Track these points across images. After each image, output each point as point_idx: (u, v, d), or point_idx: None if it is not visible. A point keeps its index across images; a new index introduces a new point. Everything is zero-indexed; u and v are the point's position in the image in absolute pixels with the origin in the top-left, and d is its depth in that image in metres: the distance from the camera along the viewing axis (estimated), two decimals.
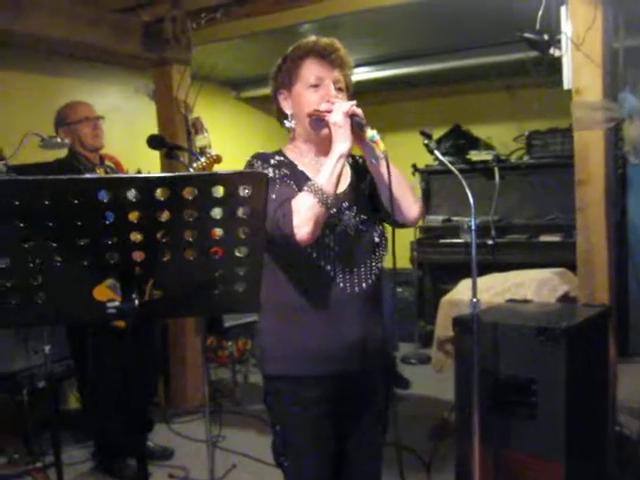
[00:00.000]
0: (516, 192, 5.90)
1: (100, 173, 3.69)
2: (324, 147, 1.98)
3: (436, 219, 6.30)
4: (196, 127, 4.62)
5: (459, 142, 6.25)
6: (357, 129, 1.90)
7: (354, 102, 1.94)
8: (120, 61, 4.92)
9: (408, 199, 2.03)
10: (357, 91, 6.92)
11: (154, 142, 3.44)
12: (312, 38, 2.05)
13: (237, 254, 1.47)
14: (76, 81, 5.14)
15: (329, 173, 1.87)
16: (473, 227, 2.44)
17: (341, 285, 1.98)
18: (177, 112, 4.60)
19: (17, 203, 1.34)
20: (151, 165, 4.58)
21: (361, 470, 2.19)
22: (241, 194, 1.37)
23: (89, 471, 3.80)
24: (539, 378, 2.65)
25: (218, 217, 1.41)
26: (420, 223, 6.32)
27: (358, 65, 5.97)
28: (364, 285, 2.02)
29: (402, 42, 5.44)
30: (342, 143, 1.89)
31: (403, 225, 2.09)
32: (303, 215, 1.82)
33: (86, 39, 4.14)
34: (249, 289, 1.52)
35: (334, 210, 1.96)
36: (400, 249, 6.10)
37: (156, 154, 4.08)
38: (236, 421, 4.51)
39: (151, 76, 4.80)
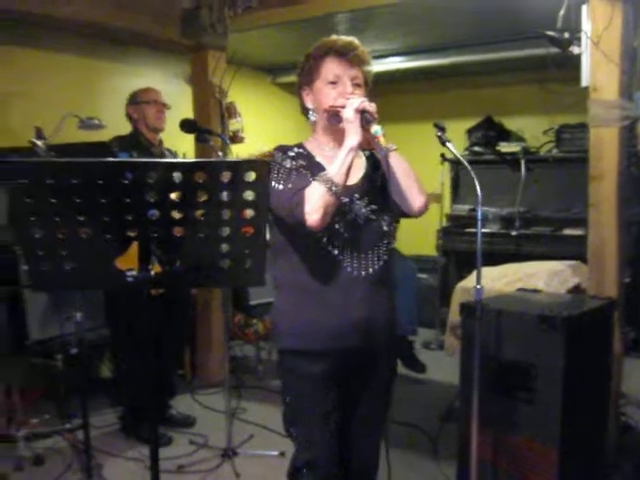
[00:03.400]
0: (543, 185, 5.94)
1: (156, 153, 4.00)
2: (341, 139, 2.11)
3: (462, 208, 6.40)
4: (229, 111, 4.76)
5: (489, 133, 6.33)
6: (365, 124, 2.04)
7: (365, 99, 2.07)
8: (158, 46, 5.10)
9: (413, 192, 2.16)
10: (390, 80, 7.00)
11: (186, 126, 3.62)
12: (332, 37, 2.19)
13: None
14: (115, 64, 5.34)
15: (339, 165, 2.02)
16: (479, 217, 2.53)
17: (349, 269, 2.12)
18: (212, 96, 4.76)
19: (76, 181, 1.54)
20: (187, 147, 4.75)
21: (363, 442, 2.34)
22: (246, 179, 1.53)
23: (114, 432, 4.04)
24: (539, 364, 2.76)
25: (226, 199, 1.58)
26: (447, 211, 6.43)
27: (391, 55, 6.08)
28: (371, 270, 2.16)
29: (434, 34, 5.53)
30: (352, 137, 2.04)
31: (408, 215, 2.23)
32: (314, 203, 1.98)
33: (126, 24, 4.33)
34: (254, 265, 1.69)
35: (346, 199, 2.12)
36: (427, 236, 6.17)
37: (191, 137, 4.25)
38: (257, 395, 4.70)
39: (188, 61, 4.96)
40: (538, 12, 3.79)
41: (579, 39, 3.32)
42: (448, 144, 2.68)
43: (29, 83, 4.73)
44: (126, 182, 1.54)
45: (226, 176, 1.54)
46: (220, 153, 3.91)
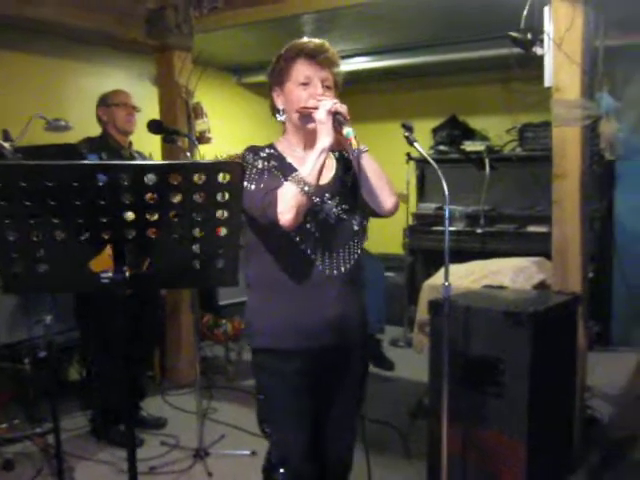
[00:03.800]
0: (507, 183, 6.03)
1: (125, 155, 3.98)
2: (312, 140, 2.14)
3: (429, 207, 6.47)
4: (196, 112, 4.76)
5: (454, 132, 6.42)
6: (337, 126, 2.07)
7: (337, 101, 2.10)
8: (124, 46, 5.08)
9: (384, 192, 2.20)
10: (356, 80, 6.99)
11: (153, 127, 3.62)
12: (304, 40, 2.22)
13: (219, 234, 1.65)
14: (81, 64, 5.30)
15: (311, 166, 2.05)
16: (446, 215, 2.59)
17: (320, 268, 2.16)
18: (178, 97, 4.75)
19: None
20: (153, 148, 4.73)
21: (336, 439, 2.37)
22: (220, 181, 1.55)
23: (85, 435, 4.01)
24: (506, 359, 2.83)
25: (200, 201, 1.59)
26: (413, 210, 6.50)
27: (357, 55, 6.12)
28: (342, 269, 2.19)
29: (399, 34, 5.57)
30: (324, 138, 2.07)
31: (379, 215, 2.27)
32: (286, 203, 2.00)
33: (92, 25, 4.30)
34: (227, 265, 1.70)
35: (317, 199, 2.14)
36: (393, 235, 6.22)
37: (158, 138, 4.24)
38: (227, 395, 4.71)
39: (154, 61, 4.95)
40: (502, 13, 3.86)
41: (542, 40, 3.39)
42: (415, 144, 2.71)
43: None
44: (101, 184, 1.55)
45: (200, 178, 1.56)
46: (188, 154, 3.92)
